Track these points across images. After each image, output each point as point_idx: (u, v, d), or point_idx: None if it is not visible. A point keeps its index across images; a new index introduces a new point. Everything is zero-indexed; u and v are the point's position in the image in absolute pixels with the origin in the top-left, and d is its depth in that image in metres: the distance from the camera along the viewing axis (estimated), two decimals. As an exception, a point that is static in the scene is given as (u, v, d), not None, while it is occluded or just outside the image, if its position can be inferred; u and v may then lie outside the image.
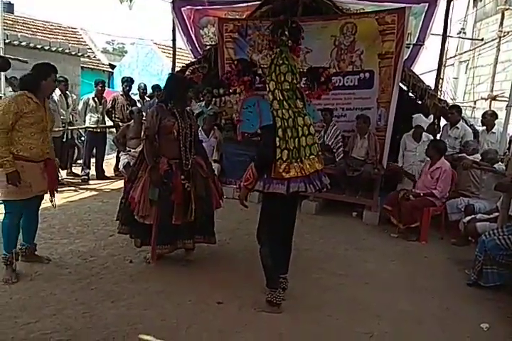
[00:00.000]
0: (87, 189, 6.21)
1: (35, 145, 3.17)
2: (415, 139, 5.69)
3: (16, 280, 3.16)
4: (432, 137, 5.64)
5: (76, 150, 7.51)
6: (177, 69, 7.58)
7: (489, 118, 5.74)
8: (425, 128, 5.77)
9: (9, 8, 14.90)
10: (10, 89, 6.82)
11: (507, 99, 6.04)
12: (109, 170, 7.25)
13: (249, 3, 6.95)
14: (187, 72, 7.00)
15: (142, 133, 4.25)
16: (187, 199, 3.38)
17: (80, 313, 2.77)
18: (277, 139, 2.75)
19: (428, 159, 4.98)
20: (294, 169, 2.80)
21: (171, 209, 3.35)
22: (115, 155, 7.38)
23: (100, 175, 6.99)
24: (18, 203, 3.20)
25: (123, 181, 6.31)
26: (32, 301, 2.89)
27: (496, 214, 4.11)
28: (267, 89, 2.85)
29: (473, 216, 4.47)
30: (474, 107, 9.85)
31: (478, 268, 3.52)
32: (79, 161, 7.35)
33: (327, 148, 5.79)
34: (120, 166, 6.52)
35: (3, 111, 3.04)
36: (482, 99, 9.09)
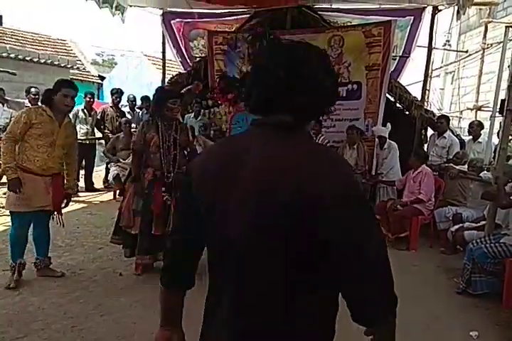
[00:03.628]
0: (76, 201, 6.15)
1: (40, 158, 3.18)
2: (381, 148, 5.78)
3: (14, 286, 3.21)
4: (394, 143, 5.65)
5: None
6: (166, 80, 7.62)
7: (476, 128, 5.86)
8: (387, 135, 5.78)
9: (-2, 20, 14.91)
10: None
11: (491, 110, 6.17)
12: (98, 182, 7.21)
13: (238, 17, 7.05)
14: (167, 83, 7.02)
15: (131, 144, 4.27)
16: (167, 210, 3.41)
17: (68, 327, 2.74)
18: None
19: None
20: None
21: (151, 220, 3.40)
22: (104, 166, 7.35)
23: (89, 186, 6.94)
24: (22, 215, 3.23)
25: (112, 193, 6.33)
26: (20, 316, 2.85)
27: (483, 222, 4.16)
28: None
29: (461, 225, 4.53)
30: (461, 117, 10.03)
31: (466, 277, 3.56)
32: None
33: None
34: (110, 178, 6.50)
35: (14, 121, 3.16)
36: (468, 109, 9.26)
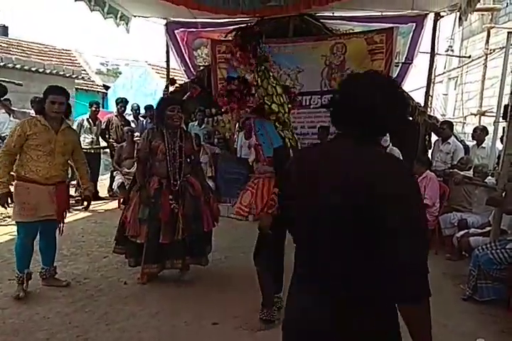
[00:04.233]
0: (80, 210, 6.18)
1: (42, 167, 3.19)
2: None
3: (23, 295, 3.23)
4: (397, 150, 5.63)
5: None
6: (171, 89, 7.68)
7: (480, 133, 5.84)
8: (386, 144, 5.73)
9: (3, 31, 15.11)
10: (3, 111, 6.86)
11: (495, 115, 6.16)
12: (102, 190, 7.24)
13: (241, 26, 7.09)
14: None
15: (135, 153, 4.30)
16: (174, 218, 3.41)
17: (73, 337, 2.74)
18: None
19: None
20: None
21: (158, 228, 3.38)
22: (109, 175, 7.39)
23: (94, 195, 6.96)
24: (27, 225, 3.24)
25: (117, 201, 6.35)
26: (25, 325, 2.86)
27: (489, 228, 4.14)
28: (269, 110, 2.81)
29: (466, 230, 4.50)
30: (464, 123, 10.01)
31: (472, 283, 3.53)
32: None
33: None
34: (114, 186, 6.53)
35: (9, 135, 3.19)
36: (472, 114, 9.24)
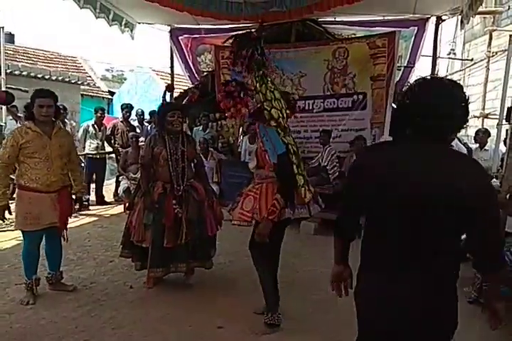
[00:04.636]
0: (86, 215, 6.24)
1: (41, 175, 3.16)
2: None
3: (33, 302, 3.25)
4: None
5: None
6: (175, 94, 7.74)
7: (482, 135, 5.84)
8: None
9: (10, 38, 15.24)
10: (10, 117, 6.95)
11: (498, 117, 6.15)
12: (108, 195, 7.29)
13: (239, 32, 7.15)
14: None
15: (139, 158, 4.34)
16: (178, 223, 3.44)
17: (80, 341, 2.77)
18: (294, 166, 2.81)
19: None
20: (309, 192, 2.87)
21: (162, 233, 3.41)
22: (114, 180, 7.45)
23: (100, 200, 7.02)
24: (31, 233, 3.25)
25: (122, 206, 6.39)
26: (32, 330, 2.88)
27: (493, 231, 4.13)
28: (269, 116, 2.82)
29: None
30: (467, 125, 9.98)
31: (478, 285, 3.52)
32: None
33: (323, 169, 5.86)
34: (120, 191, 6.57)
35: (2, 147, 3.15)
36: (474, 117, 9.22)
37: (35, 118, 3.20)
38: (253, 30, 6.95)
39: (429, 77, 1.58)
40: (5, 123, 7.21)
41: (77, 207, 3.63)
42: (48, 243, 3.47)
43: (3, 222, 3.24)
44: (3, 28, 5.77)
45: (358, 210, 1.72)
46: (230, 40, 2.96)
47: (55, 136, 3.25)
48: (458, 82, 1.58)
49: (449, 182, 1.41)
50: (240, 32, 3.49)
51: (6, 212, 3.23)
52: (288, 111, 2.94)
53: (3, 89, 5.98)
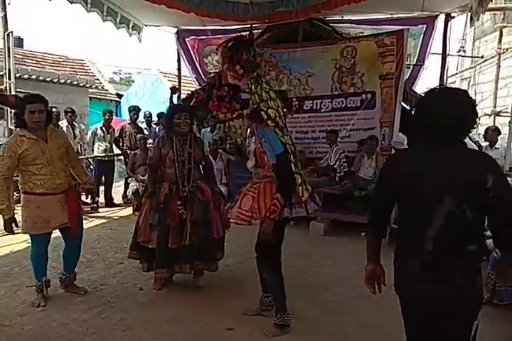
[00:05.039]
0: (96, 217, 6.27)
1: (45, 180, 3.15)
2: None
3: (44, 304, 3.27)
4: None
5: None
6: (182, 96, 7.75)
7: (492, 133, 5.76)
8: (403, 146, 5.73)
9: (19, 42, 15.38)
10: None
11: (510, 115, 6.06)
12: (117, 197, 7.32)
13: (230, 36, 7.13)
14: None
15: (147, 160, 4.37)
16: (183, 223, 3.44)
17: (90, 343, 2.77)
18: (292, 165, 2.81)
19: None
20: (306, 191, 2.87)
21: (168, 233, 3.42)
22: (123, 182, 7.48)
23: (109, 202, 7.06)
24: (38, 236, 3.25)
25: (131, 208, 6.42)
26: (43, 332, 2.90)
27: (506, 230, 4.07)
28: (266, 116, 2.81)
29: (483, 232, 4.43)
30: (478, 123, 9.86)
31: (491, 286, 3.47)
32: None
33: (331, 169, 5.82)
34: (129, 193, 6.60)
35: (0, 158, 3.07)
36: (486, 115, 9.11)
37: (26, 125, 3.12)
38: (259, 31, 6.98)
39: (443, 89, 1.85)
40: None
41: (89, 200, 3.62)
42: (68, 247, 3.49)
43: (13, 234, 3.20)
44: (12, 32, 5.80)
45: (389, 210, 1.89)
46: (221, 47, 2.95)
47: (50, 138, 3.21)
48: (464, 88, 1.80)
49: (475, 174, 1.66)
50: (231, 36, 3.48)
51: (13, 224, 3.19)
52: (285, 110, 2.93)
53: (13, 93, 6.01)
